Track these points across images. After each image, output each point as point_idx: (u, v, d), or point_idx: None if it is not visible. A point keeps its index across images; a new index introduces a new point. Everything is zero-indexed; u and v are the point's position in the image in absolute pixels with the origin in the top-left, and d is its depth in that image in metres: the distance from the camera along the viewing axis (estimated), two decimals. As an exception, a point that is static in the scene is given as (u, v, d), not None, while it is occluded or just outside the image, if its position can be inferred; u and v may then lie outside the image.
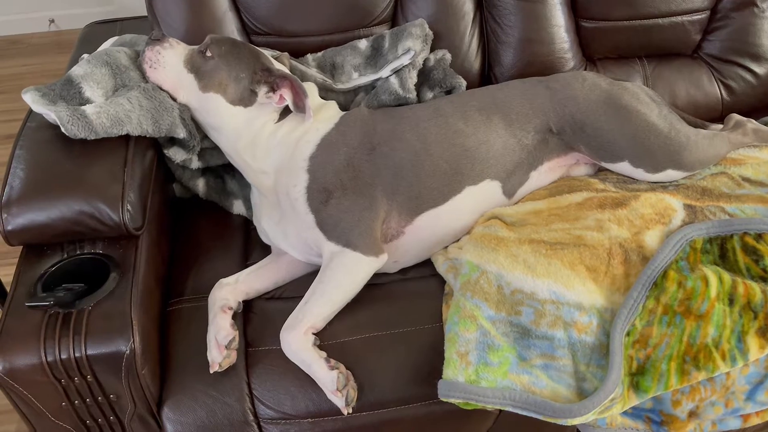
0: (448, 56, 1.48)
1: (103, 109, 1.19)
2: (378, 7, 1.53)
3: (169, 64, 1.30)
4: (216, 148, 1.38)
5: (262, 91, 1.29)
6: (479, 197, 1.32)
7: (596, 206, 1.25)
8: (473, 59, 1.56)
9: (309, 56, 1.51)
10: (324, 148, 1.28)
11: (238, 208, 1.46)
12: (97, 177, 1.17)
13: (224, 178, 1.48)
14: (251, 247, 1.41)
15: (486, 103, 1.37)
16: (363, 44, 1.50)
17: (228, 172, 1.47)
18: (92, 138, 1.18)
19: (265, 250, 1.38)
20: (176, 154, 1.33)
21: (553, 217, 1.26)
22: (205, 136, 1.36)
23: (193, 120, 1.32)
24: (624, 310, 1.11)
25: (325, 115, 1.33)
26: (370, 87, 1.49)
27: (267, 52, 1.49)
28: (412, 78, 1.43)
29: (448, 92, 1.48)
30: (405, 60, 1.43)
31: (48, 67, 3.26)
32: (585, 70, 1.60)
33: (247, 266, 1.33)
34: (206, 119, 1.32)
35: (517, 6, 1.51)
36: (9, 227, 1.11)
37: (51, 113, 1.17)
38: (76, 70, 1.26)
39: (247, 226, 1.46)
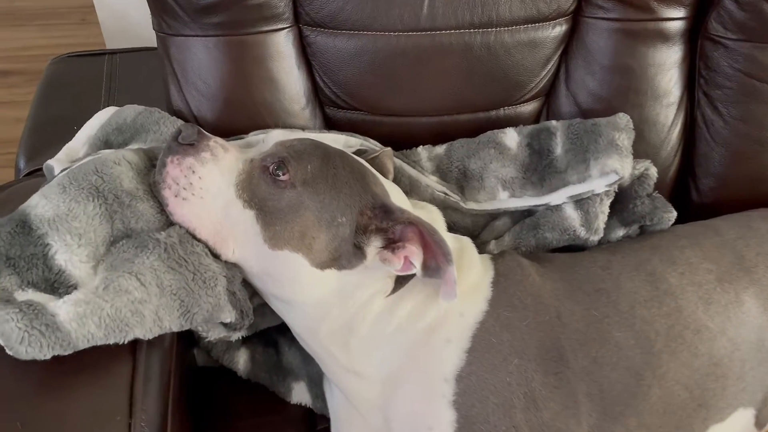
0: (653, 171, 0.91)
1: (90, 307, 0.61)
2: (534, 77, 0.96)
3: (212, 191, 0.72)
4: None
5: (372, 246, 0.73)
6: (726, 440, 0.79)
7: None
8: (669, 163, 1.00)
9: (421, 151, 0.94)
10: (479, 357, 0.73)
11: (299, 395, 0.90)
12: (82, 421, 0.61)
13: (278, 346, 0.92)
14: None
15: (727, 265, 0.84)
16: (512, 141, 0.92)
17: (283, 334, 0.91)
18: (67, 353, 0.61)
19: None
20: (212, 332, 0.76)
21: None
22: (255, 293, 0.80)
23: (244, 283, 0.75)
24: None
25: (466, 282, 0.78)
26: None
27: (353, 139, 0.92)
28: (604, 213, 0.87)
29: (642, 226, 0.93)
30: (599, 186, 0.86)
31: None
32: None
33: None
34: (271, 289, 0.75)
35: (757, 89, 0.95)
36: None
37: (-15, 322, 0.59)
38: (41, 207, 0.67)
39: (312, 419, 0.91)
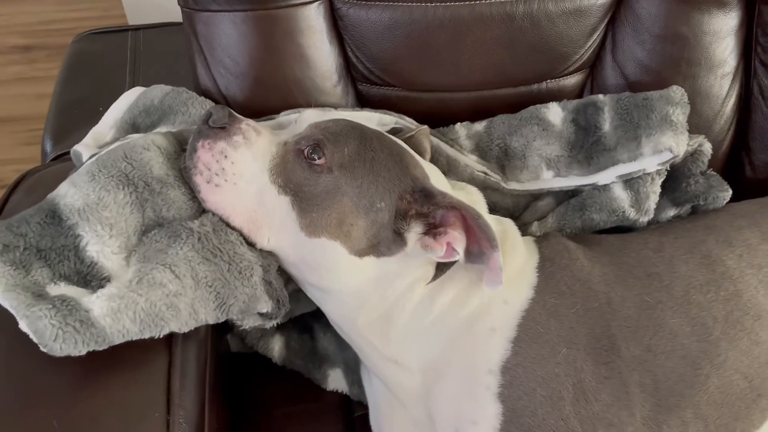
0: (708, 147, 0.86)
1: (124, 302, 0.59)
2: (579, 48, 0.90)
3: (245, 177, 0.69)
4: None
5: (413, 232, 0.70)
6: (785, 431, 0.75)
7: None
8: (723, 138, 0.95)
9: (459, 128, 0.90)
10: (526, 347, 0.70)
11: (335, 381, 0.88)
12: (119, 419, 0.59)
13: (313, 332, 0.89)
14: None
15: (788, 247, 0.79)
16: (556, 116, 0.87)
17: (318, 320, 0.88)
18: (102, 348, 0.59)
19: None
20: (247, 320, 0.74)
21: None
22: (289, 279, 0.77)
23: (279, 270, 0.72)
24: None
25: (510, 268, 0.74)
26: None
27: (387, 117, 0.88)
28: (656, 193, 0.83)
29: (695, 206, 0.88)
30: (651, 165, 0.82)
31: (20, 20, 2.53)
32: None
33: None
34: (308, 277, 0.73)
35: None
36: None
37: (21, 320, 0.57)
38: (70, 196, 0.65)
39: (348, 406, 0.89)
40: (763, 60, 0.92)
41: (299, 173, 0.68)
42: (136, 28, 1.04)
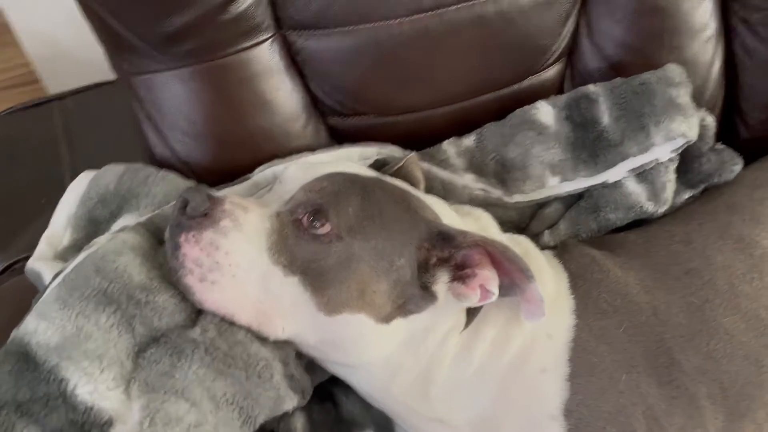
0: (711, 121, 0.81)
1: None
2: (556, 38, 0.84)
3: (243, 266, 0.59)
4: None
5: (440, 283, 0.62)
6: None
7: None
8: (713, 104, 0.90)
9: (447, 146, 0.82)
10: (584, 382, 0.63)
11: (368, 444, 0.81)
12: None
13: (335, 398, 0.81)
14: None
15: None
16: (548, 116, 0.80)
17: (336, 383, 0.80)
18: None
19: None
20: (267, 414, 0.65)
21: None
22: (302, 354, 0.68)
23: (298, 356, 0.64)
24: None
25: (545, 294, 0.66)
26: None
27: (368, 150, 0.80)
28: (672, 181, 0.77)
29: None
30: (664, 154, 0.76)
31: None
32: None
33: None
34: (332, 357, 0.65)
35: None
36: None
37: None
38: (41, 332, 0.54)
39: (387, 467, 0.81)
40: (742, 17, 0.87)
41: (304, 247, 0.59)
42: (61, 97, 0.92)
